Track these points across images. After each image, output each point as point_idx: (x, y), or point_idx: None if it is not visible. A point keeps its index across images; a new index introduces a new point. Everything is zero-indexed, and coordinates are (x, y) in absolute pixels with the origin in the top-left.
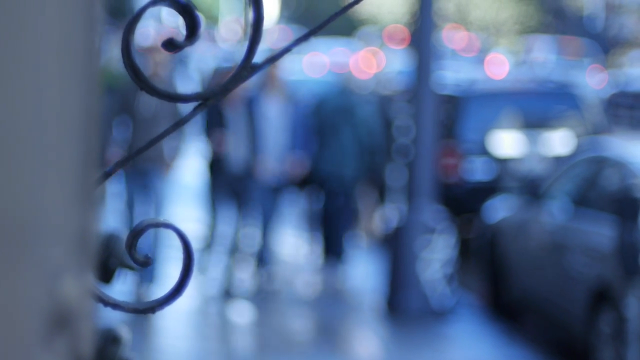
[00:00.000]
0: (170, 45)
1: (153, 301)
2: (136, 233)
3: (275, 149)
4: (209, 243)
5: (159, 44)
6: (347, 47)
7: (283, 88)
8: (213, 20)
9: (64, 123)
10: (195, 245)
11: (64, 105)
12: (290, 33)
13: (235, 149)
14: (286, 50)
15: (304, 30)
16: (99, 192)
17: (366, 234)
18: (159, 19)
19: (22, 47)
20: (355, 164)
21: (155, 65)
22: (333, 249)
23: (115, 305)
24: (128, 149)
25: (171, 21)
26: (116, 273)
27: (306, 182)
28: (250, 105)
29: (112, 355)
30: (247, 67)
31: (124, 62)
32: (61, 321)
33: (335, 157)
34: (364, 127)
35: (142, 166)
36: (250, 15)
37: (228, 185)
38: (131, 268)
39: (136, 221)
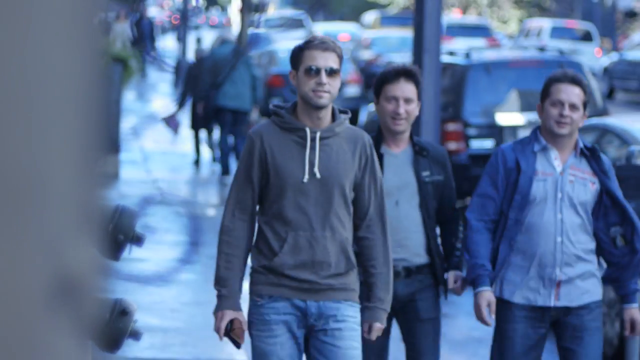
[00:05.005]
0: None
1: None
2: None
3: None
4: None
5: None
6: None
7: None
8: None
9: (69, 100)
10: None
11: (69, 84)
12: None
13: None
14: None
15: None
16: (111, 167)
17: None
18: None
19: (31, 24)
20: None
21: None
22: None
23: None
24: None
25: None
26: (123, 247)
27: None
28: None
29: (121, 326)
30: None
31: None
32: (65, 290)
33: None
34: None
35: None
36: None
37: None
38: (138, 242)
39: None
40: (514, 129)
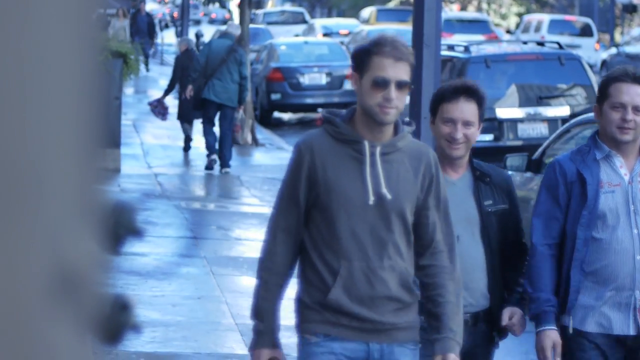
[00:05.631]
0: None
1: None
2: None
3: None
4: None
5: None
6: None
7: None
8: None
9: (68, 94)
10: None
11: (68, 79)
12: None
13: None
14: None
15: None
16: (111, 162)
17: None
18: None
19: (29, 20)
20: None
21: None
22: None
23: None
24: None
25: None
26: (124, 242)
27: None
28: None
29: (122, 321)
30: None
31: None
32: (66, 284)
33: None
34: None
35: None
36: None
37: None
38: (139, 237)
39: None
40: (513, 122)
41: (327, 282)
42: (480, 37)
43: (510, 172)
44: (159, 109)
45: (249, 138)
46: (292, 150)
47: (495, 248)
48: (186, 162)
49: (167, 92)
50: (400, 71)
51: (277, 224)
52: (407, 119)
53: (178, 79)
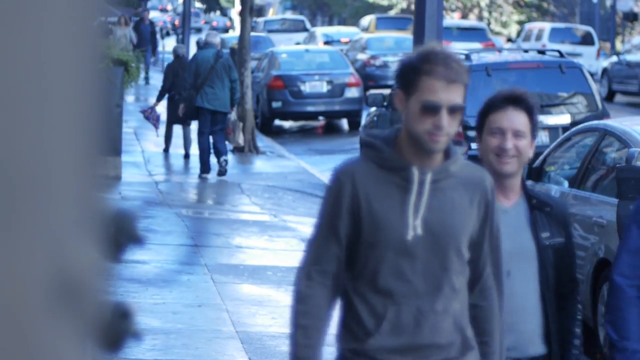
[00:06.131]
0: None
1: None
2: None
3: None
4: None
5: None
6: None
7: None
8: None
9: (69, 102)
10: None
11: (69, 86)
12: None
13: None
14: None
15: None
16: (112, 169)
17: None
18: None
19: (30, 27)
20: None
21: None
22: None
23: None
24: None
25: None
26: (124, 249)
27: None
28: None
29: (122, 329)
30: None
31: None
32: (67, 292)
33: None
34: None
35: None
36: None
37: None
38: (140, 244)
39: None
40: None
41: (368, 328)
42: (477, 45)
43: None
44: (152, 115)
45: (241, 140)
46: (330, 179)
47: (552, 286)
48: (187, 170)
49: (159, 99)
50: (453, 94)
51: (313, 263)
52: (457, 139)
53: (170, 86)
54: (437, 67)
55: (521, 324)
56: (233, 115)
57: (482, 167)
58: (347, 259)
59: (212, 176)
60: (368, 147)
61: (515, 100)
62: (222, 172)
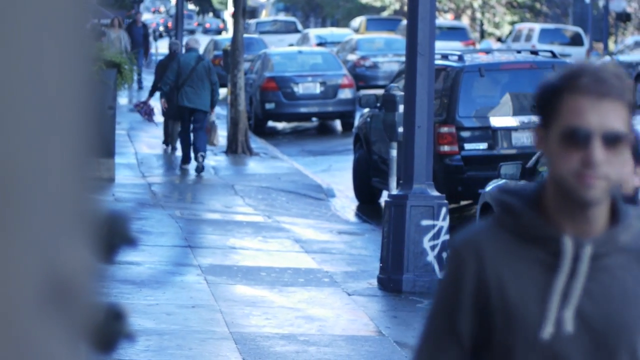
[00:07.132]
0: None
1: None
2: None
3: None
4: None
5: None
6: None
7: None
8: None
9: (62, 104)
10: None
11: (61, 88)
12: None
13: None
14: None
15: (301, 17)
16: (106, 171)
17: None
18: None
19: (22, 29)
20: None
21: None
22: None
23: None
24: None
25: None
26: (118, 250)
27: None
28: None
29: (115, 330)
30: None
31: None
32: (59, 293)
33: None
34: None
35: None
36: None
37: None
38: (133, 246)
39: None
40: (507, 131)
41: None
42: (458, 44)
43: (504, 181)
44: (144, 109)
45: (216, 141)
46: (447, 258)
47: None
48: (180, 171)
49: (151, 93)
50: (608, 116)
51: None
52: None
53: (159, 80)
54: (583, 79)
55: None
56: (213, 117)
57: None
58: None
59: (208, 176)
60: (504, 211)
61: None
62: (199, 168)
